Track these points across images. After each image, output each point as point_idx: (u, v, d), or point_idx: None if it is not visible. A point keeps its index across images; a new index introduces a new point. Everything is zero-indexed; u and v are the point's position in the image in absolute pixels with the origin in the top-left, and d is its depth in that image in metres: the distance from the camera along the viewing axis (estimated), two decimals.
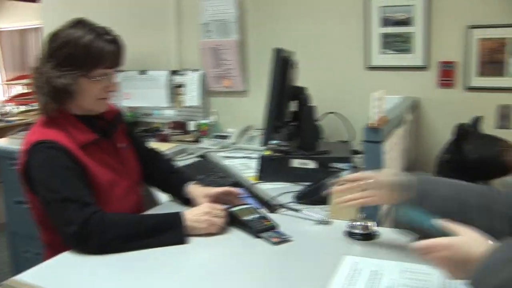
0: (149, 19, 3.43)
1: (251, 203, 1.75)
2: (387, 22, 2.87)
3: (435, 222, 1.03)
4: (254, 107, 2.51)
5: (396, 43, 2.87)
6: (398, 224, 1.35)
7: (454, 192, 1.26)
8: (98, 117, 1.73)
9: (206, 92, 3.31)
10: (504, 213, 1.19)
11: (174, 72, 3.36)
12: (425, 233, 1.03)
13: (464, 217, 1.18)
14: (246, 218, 1.60)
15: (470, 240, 0.95)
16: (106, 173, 1.67)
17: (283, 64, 2.07)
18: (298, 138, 2.19)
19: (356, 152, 2.24)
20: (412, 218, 1.14)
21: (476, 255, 0.91)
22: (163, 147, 2.68)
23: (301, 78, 2.41)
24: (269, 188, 2.04)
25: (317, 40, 3.00)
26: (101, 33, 1.62)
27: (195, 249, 1.49)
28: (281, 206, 1.80)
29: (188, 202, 1.81)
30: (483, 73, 2.61)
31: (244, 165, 2.47)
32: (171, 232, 1.51)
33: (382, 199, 1.39)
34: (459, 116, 2.56)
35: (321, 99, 2.48)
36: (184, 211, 1.58)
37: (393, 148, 1.89)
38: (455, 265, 0.95)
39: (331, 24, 2.97)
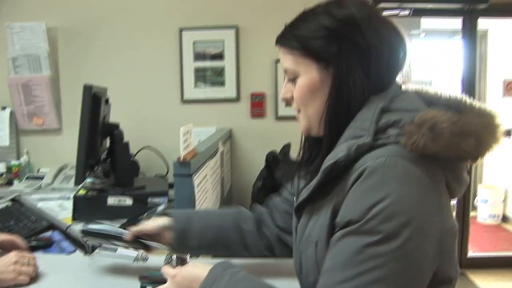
0: None
1: (66, 246, 1.69)
2: (201, 56, 2.98)
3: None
4: (69, 145, 2.41)
5: (210, 76, 2.99)
6: None
7: (206, 221, 1.41)
8: None
9: (17, 131, 3.13)
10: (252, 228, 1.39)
11: None
12: None
13: (224, 239, 1.39)
14: None
15: (191, 268, 1.10)
16: None
17: (94, 100, 2.04)
18: (113, 175, 2.16)
19: (172, 186, 2.28)
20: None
21: (198, 279, 1.04)
22: None
23: (117, 114, 2.40)
24: None
25: (132, 75, 3.01)
26: None
27: None
28: (96, 247, 1.74)
29: None
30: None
31: (61, 206, 2.36)
32: None
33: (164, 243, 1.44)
34: (271, 144, 2.74)
35: (137, 134, 2.48)
36: None
37: (206, 179, 1.96)
38: None
39: (147, 59, 3.01)
